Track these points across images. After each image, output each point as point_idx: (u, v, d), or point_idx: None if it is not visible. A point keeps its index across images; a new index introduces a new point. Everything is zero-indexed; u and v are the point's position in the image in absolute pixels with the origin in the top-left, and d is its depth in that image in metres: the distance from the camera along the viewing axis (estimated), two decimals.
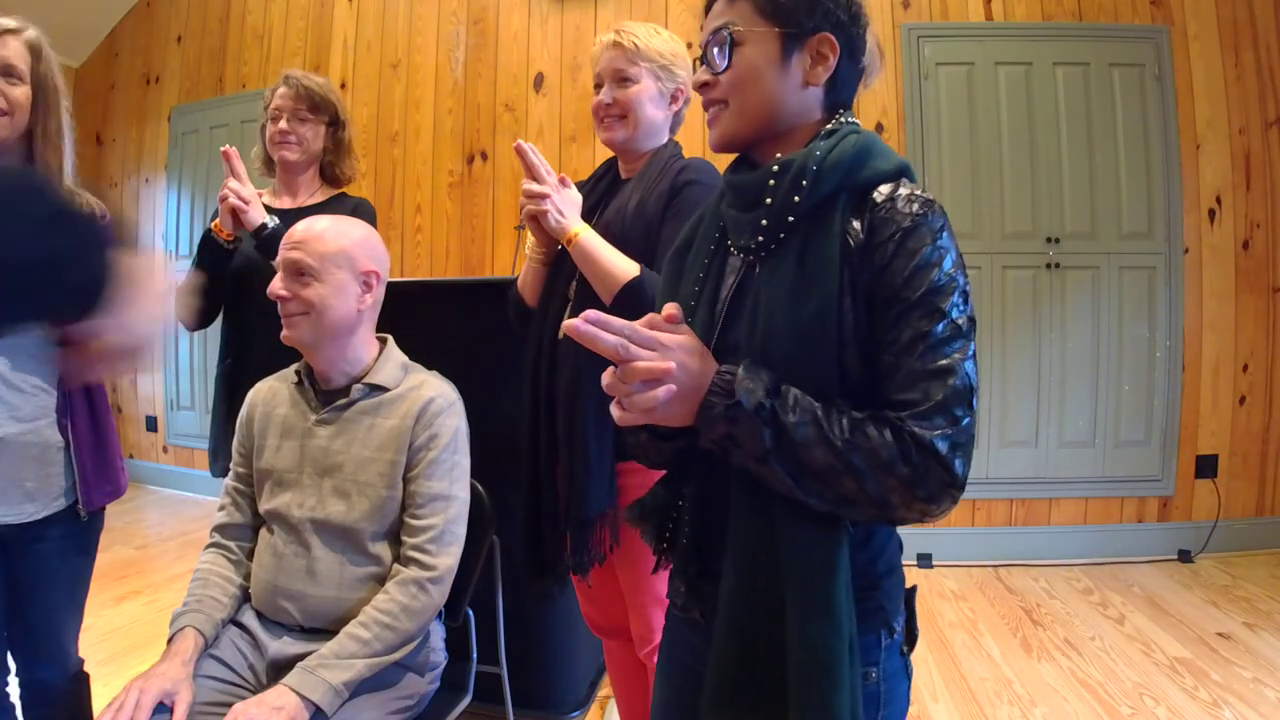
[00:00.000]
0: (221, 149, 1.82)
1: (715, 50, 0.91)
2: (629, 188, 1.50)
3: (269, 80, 4.14)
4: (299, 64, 4.14)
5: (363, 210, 2.00)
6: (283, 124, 1.93)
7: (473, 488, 1.46)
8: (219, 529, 1.45)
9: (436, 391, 1.40)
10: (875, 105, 3.48)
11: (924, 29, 3.46)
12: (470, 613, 1.54)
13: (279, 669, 1.28)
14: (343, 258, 1.36)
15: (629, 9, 3.69)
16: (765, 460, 0.75)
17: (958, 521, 3.44)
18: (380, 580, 1.34)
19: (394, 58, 4.01)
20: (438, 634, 1.47)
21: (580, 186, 1.53)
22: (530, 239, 1.54)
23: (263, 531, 1.43)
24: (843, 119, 0.89)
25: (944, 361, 0.74)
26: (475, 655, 1.56)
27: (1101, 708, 2.14)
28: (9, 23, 1.30)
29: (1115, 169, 3.38)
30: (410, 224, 3.98)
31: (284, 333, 1.36)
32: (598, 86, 1.51)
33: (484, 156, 3.89)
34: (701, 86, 0.92)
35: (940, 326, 0.75)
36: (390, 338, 1.48)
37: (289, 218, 1.63)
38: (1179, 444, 3.39)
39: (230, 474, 1.49)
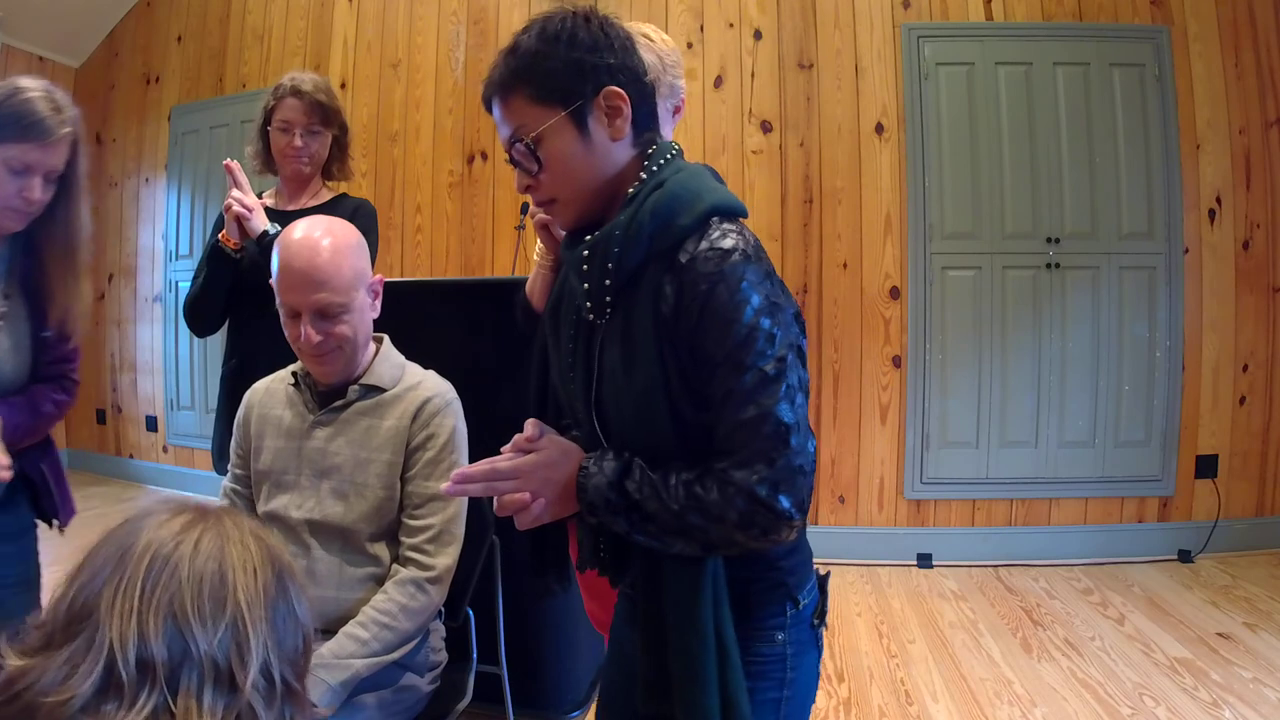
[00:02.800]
0: (224, 163, 1.85)
1: (521, 159, 0.92)
2: None
3: (269, 80, 4.13)
4: (299, 64, 4.14)
5: (364, 211, 2.01)
6: (297, 140, 1.94)
7: None
8: None
9: (433, 391, 1.40)
10: (875, 105, 3.48)
11: (924, 29, 3.46)
12: (470, 613, 1.54)
13: None
14: (359, 278, 1.34)
15: (629, 9, 3.69)
16: (629, 534, 0.87)
17: (958, 521, 3.44)
18: (379, 580, 1.34)
19: (394, 58, 4.01)
20: (437, 634, 1.47)
21: None
22: (539, 245, 1.54)
23: None
24: (649, 164, 0.91)
25: (752, 411, 0.81)
26: (475, 655, 1.56)
27: (1101, 708, 2.14)
28: (64, 122, 1.27)
29: (1115, 169, 3.38)
30: (410, 224, 3.98)
31: (319, 368, 1.35)
32: None
33: (484, 156, 3.89)
34: (525, 189, 0.94)
35: (747, 378, 0.81)
36: (386, 337, 1.48)
37: (293, 218, 1.64)
38: (1179, 444, 3.39)
39: (228, 475, 1.49)
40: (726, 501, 0.81)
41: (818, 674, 1.00)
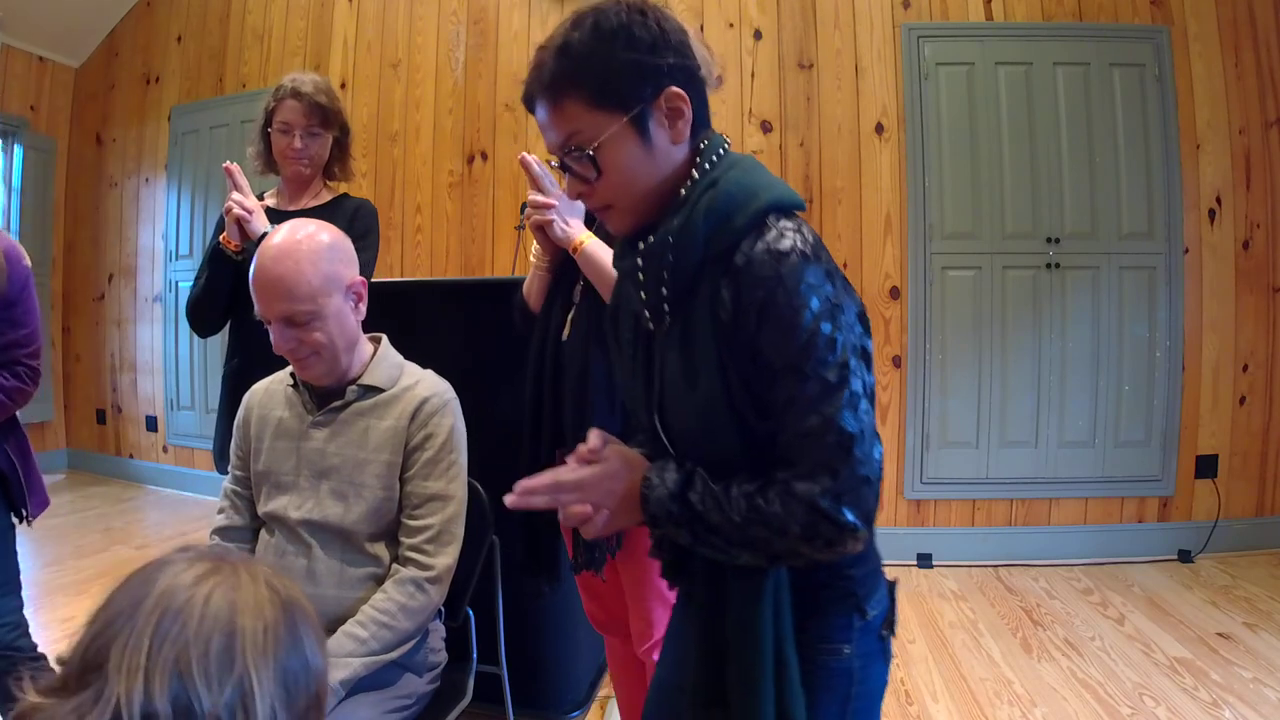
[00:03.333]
0: (224, 165, 1.85)
1: (577, 167, 0.87)
2: None
3: (269, 80, 4.14)
4: (299, 64, 4.14)
5: (364, 211, 2.02)
6: (297, 142, 1.95)
7: (471, 487, 1.45)
8: (218, 532, 1.45)
9: (431, 391, 1.40)
10: (875, 105, 3.48)
11: (924, 29, 3.46)
12: (470, 613, 1.54)
13: None
14: (331, 283, 1.31)
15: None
16: (693, 545, 0.85)
17: (958, 521, 3.44)
18: (379, 580, 1.34)
19: (394, 58, 4.01)
20: (437, 634, 1.47)
21: None
22: (535, 246, 1.54)
23: (262, 533, 1.43)
24: (702, 161, 0.87)
25: (814, 421, 0.78)
26: (475, 655, 1.56)
27: (1101, 708, 2.14)
28: None
29: (1115, 169, 3.38)
30: (410, 224, 3.98)
31: (300, 373, 1.35)
32: None
33: (484, 156, 3.89)
34: (579, 196, 0.90)
35: (808, 386, 0.78)
36: (384, 337, 1.47)
37: (293, 219, 1.64)
38: (1179, 444, 3.39)
39: (229, 476, 1.49)
40: (789, 514, 0.79)
41: (885, 683, 0.96)
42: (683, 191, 0.86)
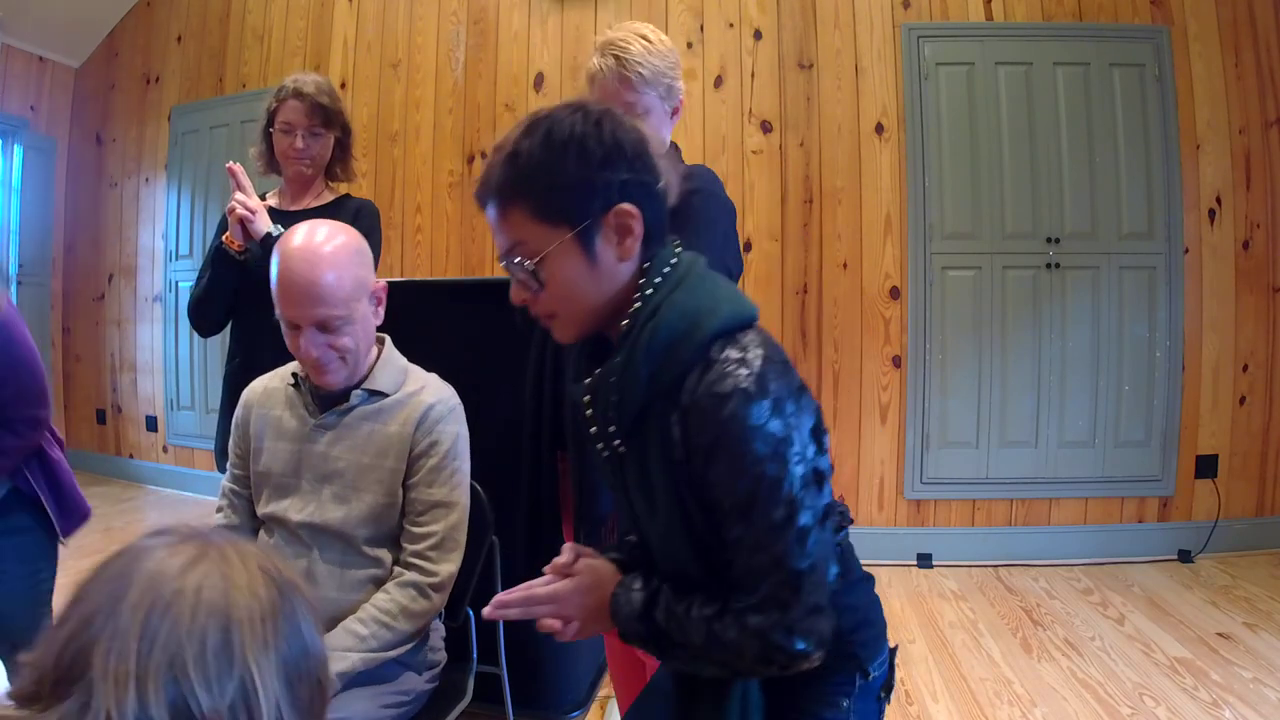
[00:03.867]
0: (227, 166, 1.85)
1: (520, 274, 0.86)
2: None
3: (269, 80, 4.14)
4: (299, 64, 4.14)
5: (366, 212, 2.02)
6: (298, 142, 1.95)
7: (472, 489, 1.45)
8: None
9: (436, 397, 1.38)
10: (875, 105, 3.48)
11: (924, 29, 3.46)
12: (470, 612, 1.54)
13: None
14: (360, 288, 1.31)
15: (629, 9, 3.69)
16: (660, 658, 0.89)
17: (958, 521, 3.44)
18: (380, 582, 1.34)
19: (394, 58, 4.01)
20: (437, 633, 1.47)
21: None
22: None
23: (261, 534, 1.42)
24: (646, 282, 0.85)
25: (763, 559, 0.79)
26: (475, 655, 1.55)
27: (1101, 708, 2.14)
28: None
29: (1115, 169, 3.38)
30: (410, 224, 3.98)
31: (320, 379, 1.33)
32: None
33: (484, 156, 3.88)
34: (522, 303, 0.89)
35: (754, 527, 0.79)
36: (388, 338, 1.46)
37: (295, 219, 1.64)
38: (1179, 444, 3.39)
39: (227, 475, 1.48)
40: (744, 643, 0.80)
41: None
42: (625, 321, 0.84)
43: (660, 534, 0.88)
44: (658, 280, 0.85)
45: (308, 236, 1.30)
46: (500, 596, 0.90)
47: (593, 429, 0.88)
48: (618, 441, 0.86)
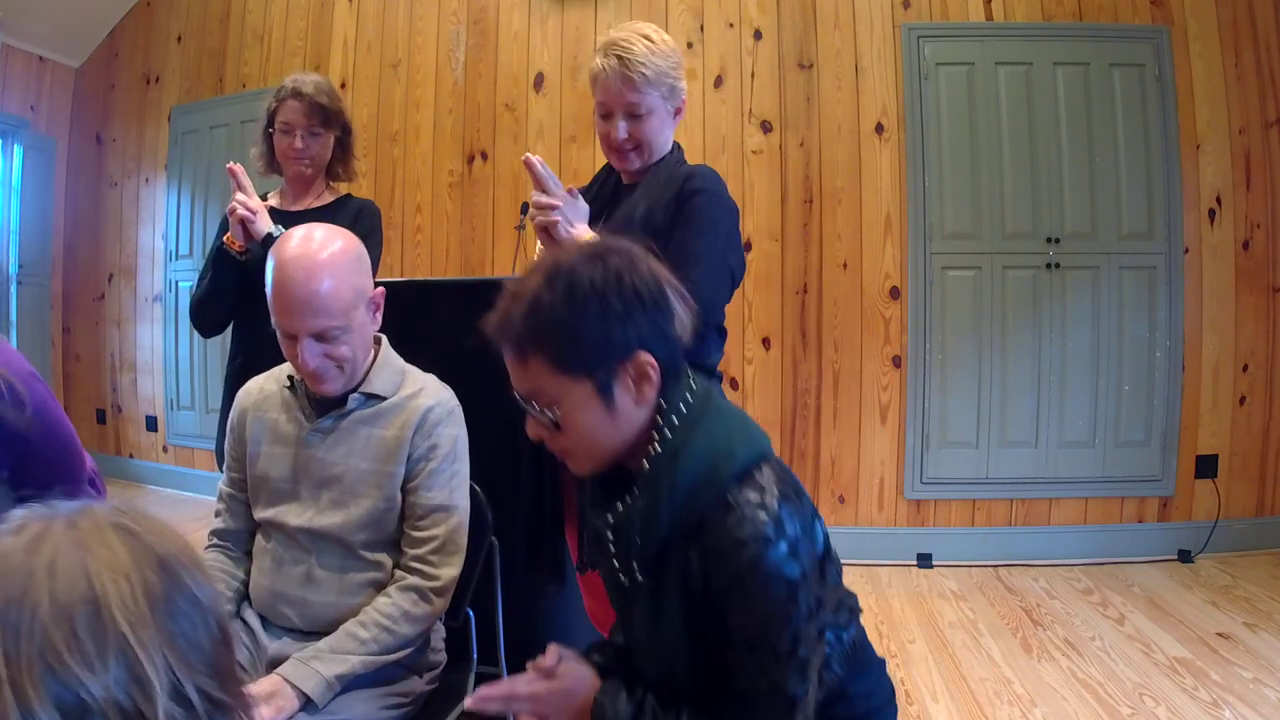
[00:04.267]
0: (228, 166, 1.84)
1: (538, 417, 0.89)
2: (635, 196, 1.50)
3: (269, 80, 4.14)
4: (299, 64, 4.14)
5: (367, 212, 2.02)
6: (298, 142, 1.95)
7: (471, 490, 1.44)
8: (216, 534, 1.44)
9: (435, 400, 1.37)
10: (875, 105, 3.48)
11: (924, 29, 3.46)
12: (470, 613, 1.54)
13: (277, 667, 1.27)
14: (358, 296, 1.29)
15: (629, 9, 3.69)
16: None
17: (958, 521, 3.44)
18: (380, 586, 1.33)
19: (394, 58, 4.01)
20: (437, 635, 1.47)
21: (581, 192, 1.54)
22: (539, 247, 1.54)
23: (258, 538, 1.42)
24: (664, 423, 0.87)
25: (763, 683, 0.83)
26: (475, 655, 1.55)
27: (1101, 708, 2.14)
28: None
29: (1115, 169, 3.38)
30: (410, 224, 3.98)
31: (317, 387, 1.31)
32: (605, 115, 1.49)
33: (484, 156, 3.88)
34: (539, 440, 0.92)
35: (761, 655, 0.83)
36: (384, 339, 1.44)
37: (296, 219, 1.64)
38: (1179, 444, 3.38)
39: (224, 478, 1.47)
40: None
41: None
42: (645, 463, 0.87)
43: (657, 645, 0.90)
44: (674, 420, 0.87)
45: (303, 244, 1.27)
46: (483, 690, 0.93)
47: (614, 562, 0.91)
48: (637, 574, 0.89)
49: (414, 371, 1.44)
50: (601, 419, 0.87)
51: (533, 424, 0.90)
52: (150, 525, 0.54)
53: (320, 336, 1.26)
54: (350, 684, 1.24)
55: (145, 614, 0.48)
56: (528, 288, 0.86)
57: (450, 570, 1.33)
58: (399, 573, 1.33)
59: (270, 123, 1.98)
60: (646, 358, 0.85)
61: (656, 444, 0.87)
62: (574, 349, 0.84)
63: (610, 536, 0.90)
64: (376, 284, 1.40)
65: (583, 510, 1.46)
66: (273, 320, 1.28)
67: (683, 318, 0.90)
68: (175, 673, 0.48)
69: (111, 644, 0.46)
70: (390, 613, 1.28)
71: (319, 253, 1.26)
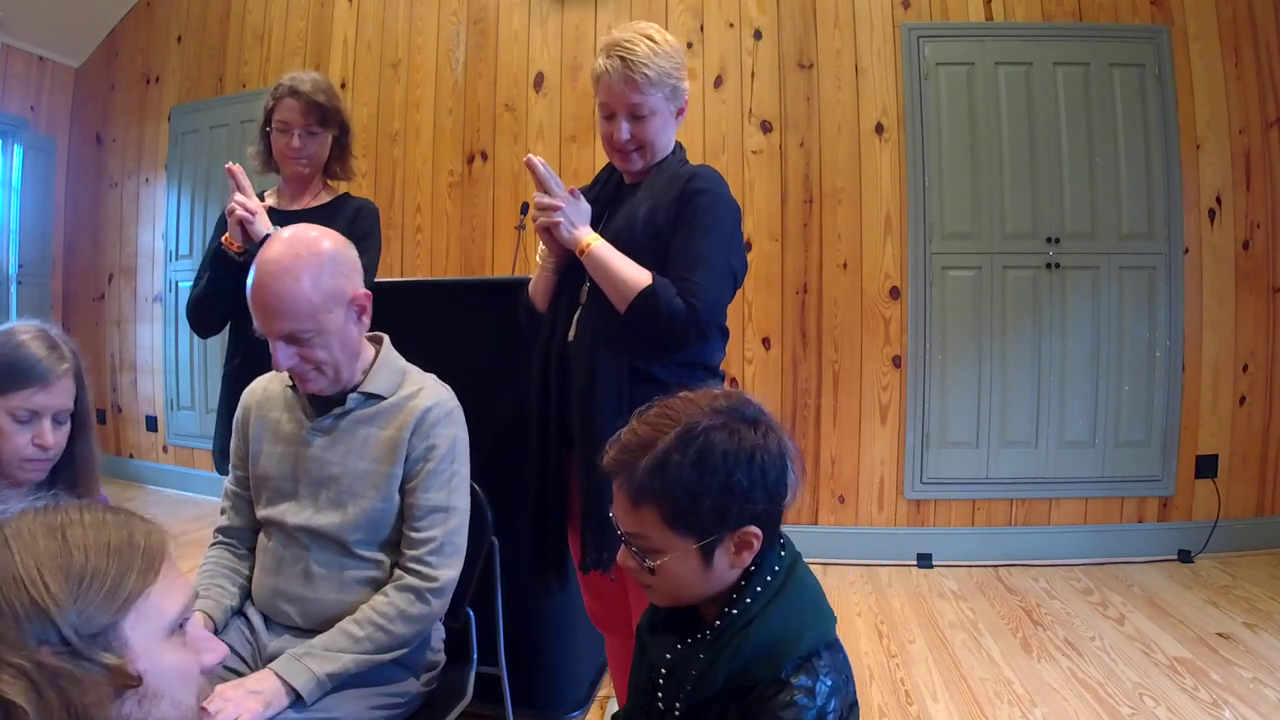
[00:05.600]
0: (227, 166, 1.84)
1: (635, 559, 0.91)
2: (638, 196, 1.50)
3: (269, 80, 4.13)
4: (299, 64, 4.14)
5: (366, 212, 2.01)
6: (295, 141, 1.94)
7: (472, 490, 1.45)
8: (221, 531, 1.45)
9: (433, 400, 1.36)
10: (875, 105, 3.48)
11: (924, 29, 3.46)
12: (470, 613, 1.54)
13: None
14: (332, 299, 1.27)
15: (629, 9, 3.69)
16: None
17: (958, 521, 3.44)
18: (378, 585, 1.33)
19: (394, 58, 4.01)
20: (437, 635, 1.47)
21: (583, 193, 1.54)
22: (541, 248, 1.54)
23: (260, 536, 1.43)
24: (749, 587, 0.90)
25: None
26: (475, 655, 1.55)
27: (1101, 708, 2.14)
28: (62, 359, 1.22)
29: (1115, 169, 3.38)
30: (410, 224, 3.98)
31: (302, 388, 1.33)
32: (608, 116, 1.49)
33: (484, 156, 3.88)
34: (628, 569, 0.93)
35: None
36: (386, 338, 1.45)
37: (295, 219, 1.64)
38: (1179, 444, 3.38)
39: (230, 476, 1.48)
40: None
41: None
42: (719, 620, 0.90)
43: None
44: (758, 589, 0.90)
45: (282, 248, 1.27)
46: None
47: (659, 693, 0.92)
48: (676, 712, 0.91)
49: (415, 371, 1.44)
50: (696, 574, 0.89)
51: (625, 555, 0.92)
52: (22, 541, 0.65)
53: (291, 339, 1.26)
54: (343, 683, 1.24)
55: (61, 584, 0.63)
56: (660, 444, 0.87)
57: (448, 571, 1.33)
58: (397, 572, 1.33)
59: (268, 121, 1.97)
60: (754, 531, 0.88)
61: (734, 607, 0.89)
62: (692, 514, 0.86)
63: (663, 671, 0.92)
64: (375, 284, 1.40)
65: (586, 513, 1.46)
66: (254, 324, 1.30)
67: (797, 483, 0.92)
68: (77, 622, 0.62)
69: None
70: (386, 612, 1.27)
71: (291, 257, 1.26)
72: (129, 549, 0.69)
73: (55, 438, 1.20)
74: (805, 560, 0.98)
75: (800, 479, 0.93)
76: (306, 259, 1.26)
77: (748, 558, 0.89)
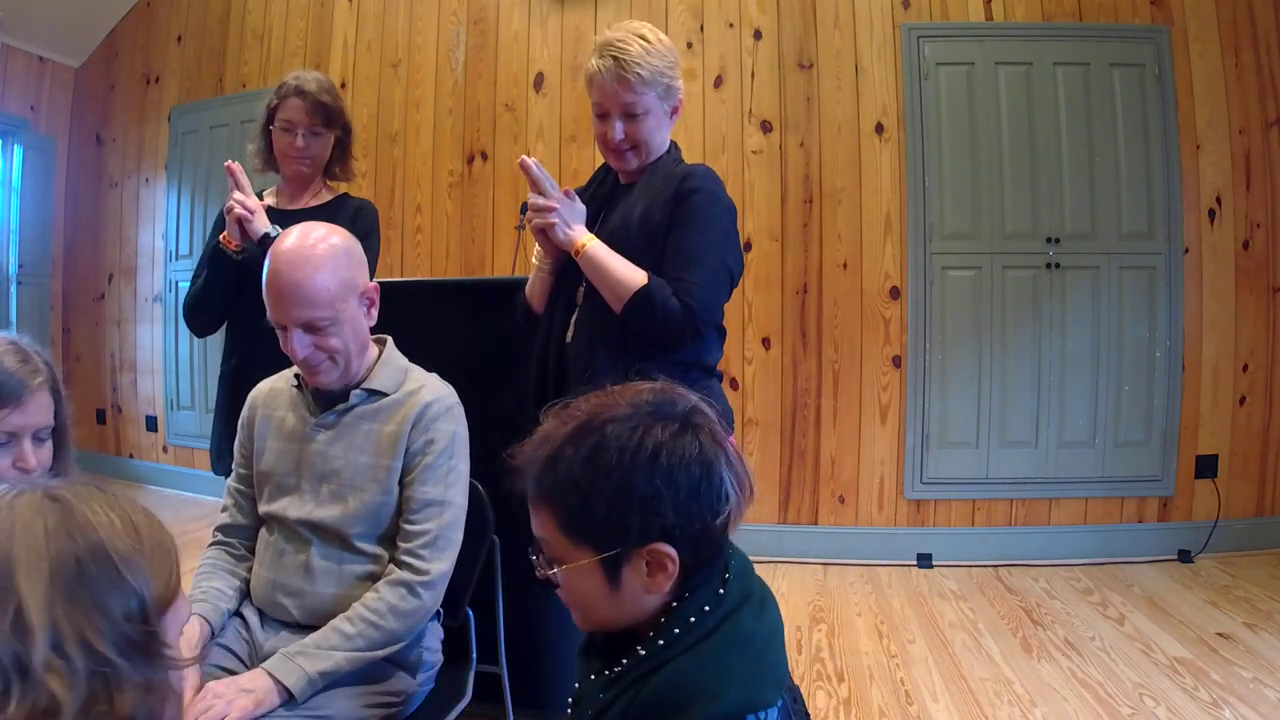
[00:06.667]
0: (226, 164, 1.83)
1: (540, 565, 0.81)
2: (633, 196, 1.50)
3: (269, 80, 4.14)
4: (299, 64, 4.14)
5: (365, 212, 2.01)
6: (299, 141, 1.94)
7: (471, 488, 1.45)
8: (222, 529, 1.46)
9: (434, 396, 1.39)
10: (875, 105, 3.48)
11: (924, 29, 3.46)
12: (470, 613, 1.54)
13: None
14: (346, 289, 1.32)
15: (629, 9, 3.69)
16: None
17: (958, 521, 3.44)
18: (378, 580, 1.34)
19: (394, 58, 4.01)
20: (434, 634, 1.47)
21: (579, 193, 1.54)
22: (537, 249, 1.54)
23: (263, 531, 1.43)
24: (669, 625, 0.76)
25: None
26: (475, 655, 1.55)
27: (1101, 708, 2.14)
28: (35, 371, 1.08)
29: (1115, 169, 3.38)
30: (410, 224, 3.98)
31: (312, 379, 1.35)
32: (602, 116, 1.49)
33: (484, 156, 3.88)
34: (540, 576, 0.83)
35: None
36: (389, 339, 1.47)
37: (294, 218, 1.64)
38: (1179, 444, 3.38)
39: (232, 475, 1.49)
40: None
41: None
42: (625, 660, 0.78)
43: None
44: (677, 631, 0.76)
45: (298, 239, 1.31)
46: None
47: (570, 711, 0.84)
48: None
49: (417, 370, 1.46)
50: (602, 593, 0.77)
51: (539, 562, 0.83)
52: (89, 512, 0.61)
53: (309, 327, 1.28)
54: (336, 681, 1.24)
55: (41, 577, 0.56)
56: (557, 435, 0.78)
57: (440, 565, 1.33)
58: (390, 566, 1.34)
59: (270, 120, 1.97)
60: (664, 549, 0.75)
61: (646, 646, 0.76)
62: (584, 519, 0.75)
63: (569, 701, 0.83)
64: (374, 282, 1.41)
65: None
66: (267, 315, 1.31)
67: (735, 501, 0.78)
68: (63, 631, 0.55)
69: (10, 604, 0.54)
70: (377, 607, 1.28)
71: (309, 247, 1.30)
72: (168, 535, 0.67)
73: (38, 457, 1.10)
74: (775, 600, 0.83)
75: (742, 496, 0.78)
76: (323, 250, 1.30)
77: (664, 582, 0.76)
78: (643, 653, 0.76)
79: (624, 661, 0.78)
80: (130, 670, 0.57)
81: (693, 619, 0.76)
